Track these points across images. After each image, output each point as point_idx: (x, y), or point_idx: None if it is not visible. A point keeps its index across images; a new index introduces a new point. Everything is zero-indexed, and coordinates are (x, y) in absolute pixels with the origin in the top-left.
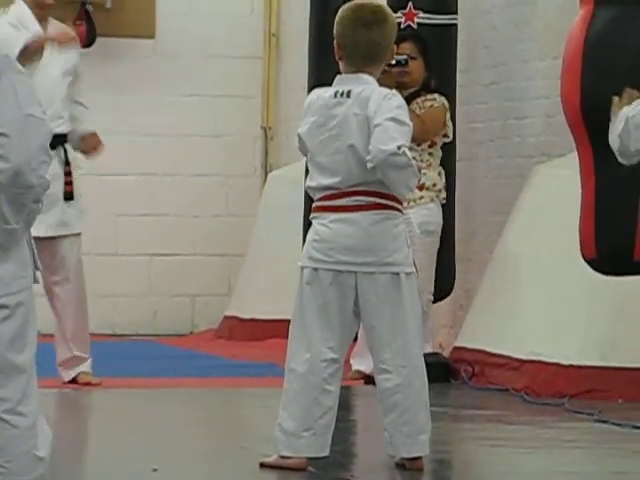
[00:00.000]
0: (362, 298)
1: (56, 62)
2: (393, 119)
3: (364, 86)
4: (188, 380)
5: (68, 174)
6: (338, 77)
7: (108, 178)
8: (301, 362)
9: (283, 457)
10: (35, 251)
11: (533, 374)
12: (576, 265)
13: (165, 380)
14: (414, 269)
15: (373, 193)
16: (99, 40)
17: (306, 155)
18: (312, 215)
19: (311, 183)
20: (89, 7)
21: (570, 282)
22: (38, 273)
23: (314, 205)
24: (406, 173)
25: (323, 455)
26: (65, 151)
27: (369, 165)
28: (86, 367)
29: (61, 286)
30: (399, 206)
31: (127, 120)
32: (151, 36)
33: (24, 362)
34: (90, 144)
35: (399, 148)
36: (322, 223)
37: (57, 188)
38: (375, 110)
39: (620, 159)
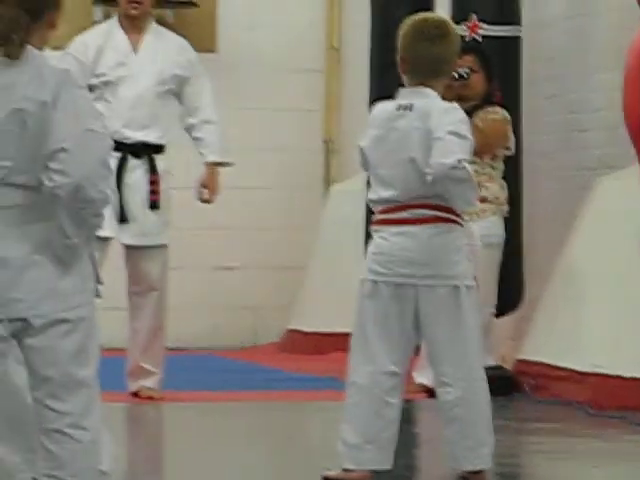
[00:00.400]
0: (422, 311)
1: (148, 72)
2: (454, 132)
3: (426, 100)
4: (250, 393)
5: (153, 183)
6: (401, 90)
7: (170, 191)
8: (362, 375)
9: (346, 470)
10: (97, 265)
11: (596, 387)
12: (639, 278)
13: (227, 394)
14: (474, 282)
15: (433, 206)
16: None
17: (367, 168)
18: (373, 228)
19: (372, 196)
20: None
21: (633, 295)
22: (101, 287)
23: (375, 218)
24: (465, 187)
25: (387, 468)
26: (152, 160)
27: (429, 178)
28: (151, 382)
29: (141, 297)
30: (459, 219)
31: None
32: (213, 50)
33: (87, 377)
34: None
35: (459, 162)
36: (382, 236)
37: (140, 197)
38: (436, 124)
39: None
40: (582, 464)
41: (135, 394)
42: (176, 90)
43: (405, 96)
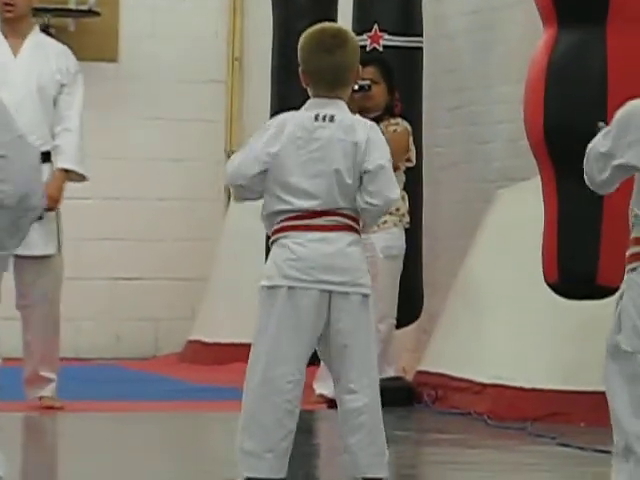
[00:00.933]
0: (334, 317)
1: (27, 77)
2: (389, 160)
3: (344, 113)
4: (151, 404)
5: None
6: (313, 101)
7: (70, 202)
8: (265, 383)
9: (247, 479)
10: None
11: (496, 398)
12: (539, 289)
13: (128, 404)
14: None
15: (347, 216)
16: None
17: (271, 174)
18: (280, 235)
19: (282, 206)
20: (52, 30)
21: (533, 306)
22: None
23: (281, 225)
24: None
25: (282, 477)
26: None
27: (367, 207)
28: (49, 391)
29: (28, 309)
30: (357, 227)
31: (89, 143)
32: (114, 60)
33: None
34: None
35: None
36: (297, 242)
37: None
38: (366, 142)
39: (595, 190)
40: (481, 475)
41: (39, 400)
42: (55, 96)
43: (321, 106)
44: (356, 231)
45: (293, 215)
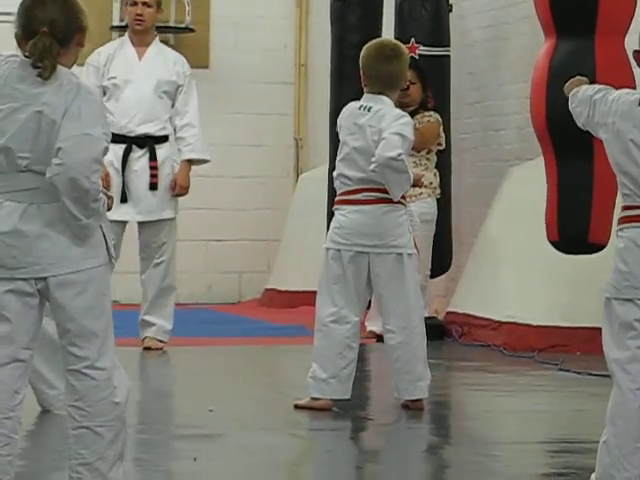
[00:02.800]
0: (373, 272)
1: (149, 77)
2: (398, 133)
3: (382, 105)
4: (237, 339)
5: (153, 168)
6: (365, 95)
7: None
8: (328, 323)
9: (314, 399)
10: (108, 238)
11: (509, 333)
12: (543, 246)
13: (219, 339)
14: (415, 251)
15: (380, 190)
16: None
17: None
18: (334, 207)
19: (334, 172)
20: None
21: (537, 260)
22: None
23: (336, 199)
24: (402, 177)
25: (346, 398)
26: (152, 149)
27: (371, 167)
28: (153, 332)
29: (144, 261)
30: (403, 200)
31: None
32: (206, 66)
33: (99, 328)
34: (174, 188)
35: (399, 155)
36: (342, 214)
37: (144, 181)
38: (386, 126)
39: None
40: (498, 394)
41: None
42: (172, 94)
43: (367, 100)
44: (392, 201)
45: (342, 191)
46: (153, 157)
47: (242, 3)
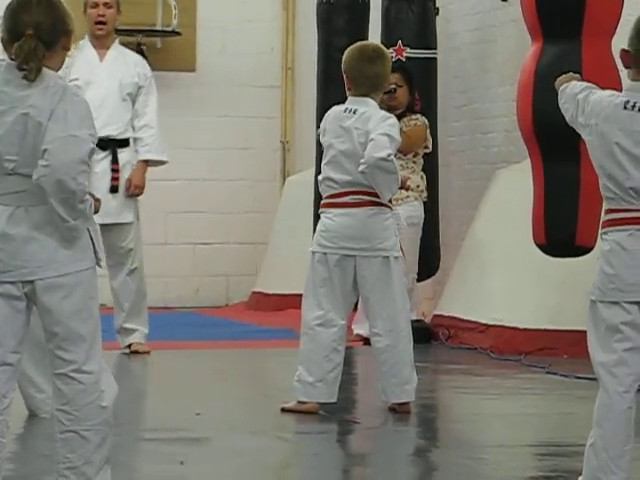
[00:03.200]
0: (359, 275)
1: (110, 78)
2: (386, 134)
3: (368, 108)
4: (224, 343)
5: (115, 171)
6: (349, 99)
7: (160, 183)
8: (314, 326)
9: (300, 402)
10: (96, 240)
11: (496, 336)
12: (529, 249)
13: (205, 343)
14: (401, 254)
15: (367, 192)
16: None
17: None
18: (320, 210)
19: (320, 176)
20: (143, 47)
21: (525, 262)
22: (102, 259)
23: (322, 202)
24: (391, 178)
25: (332, 401)
26: (114, 153)
27: (361, 168)
28: (138, 338)
29: (113, 268)
30: (389, 203)
31: (174, 137)
32: (193, 70)
33: (86, 331)
34: (129, 188)
35: (388, 155)
36: (328, 217)
37: (104, 184)
38: (373, 127)
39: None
40: (485, 397)
41: (127, 347)
42: (134, 96)
43: (352, 103)
44: (378, 204)
45: (328, 194)
46: (115, 160)
47: (229, 6)
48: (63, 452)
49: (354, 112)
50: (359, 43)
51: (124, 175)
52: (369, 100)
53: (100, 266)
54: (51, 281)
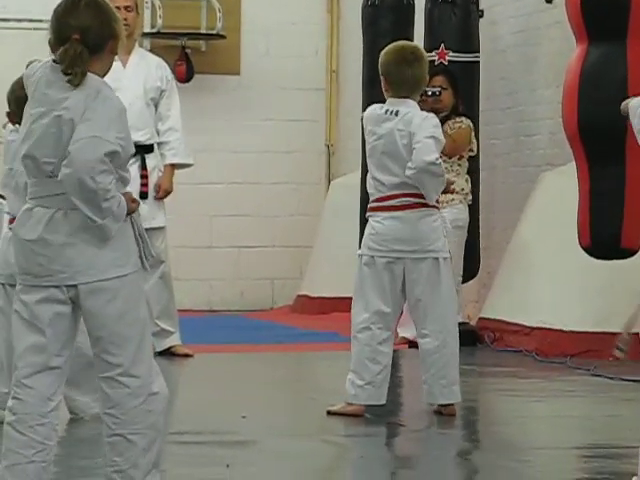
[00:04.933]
0: (409, 278)
1: (135, 84)
2: (432, 137)
3: (409, 109)
4: (269, 346)
5: (143, 177)
6: (388, 99)
7: (204, 186)
8: (362, 329)
9: (348, 404)
10: (144, 242)
11: (541, 338)
12: (575, 252)
13: (251, 346)
14: (450, 255)
15: (414, 194)
16: (196, 77)
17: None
18: (368, 214)
19: (368, 175)
20: (188, 50)
21: (570, 265)
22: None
23: (369, 206)
24: (439, 181)
25: (381, 403)
26: (143, 158)
27: (408, 172)
28: (176, 340)
29: (151, 273)
30: (436, 204)
31: (219, 140)
32: (237, 73)
33: (132, 335)
34: (159, 192)
35: (437, 159)
36: (377, 220)
37: (134, 189)
38: (417, 128)
39: None
40: (530, 399)
41: (163, 352)
42: (157, 100)
43: (392, 104)
44: (426, 206)
45: (375, 198)
46: (144, 166)
47: (273, 9)
48: (111, 456)
49: (396, 113)
50: (395, 45)
51: (152, 180)
52: (409, 101)
53: (146, 268)
54: (94, 285)
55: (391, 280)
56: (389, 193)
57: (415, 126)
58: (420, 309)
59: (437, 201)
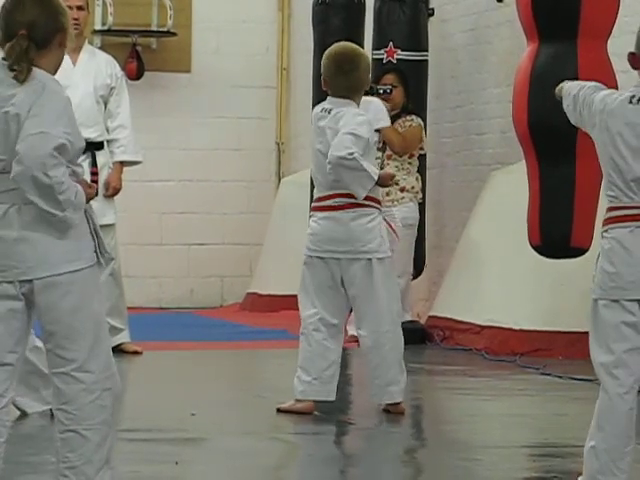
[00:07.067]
0: (345, 278)
1: (85, 81)
2: (351, 133)
3: (343, 107)
4: (219, 344)
5: (94, 174)
6: (327, 99)
7: (155, 183)
8: (309, 326)
9: (297, 401)
10: (99, 238)
11: (491, 337)
12: (525, 250)
13: (200, 344)
14: (388, 254)
15: (349, 194)
16: (147, 74)
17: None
18: (310, 213)
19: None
20: (139, 48)
21: (520, 264)
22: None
23: (311, 205)
24: (360, 175)
25: (330, 400)
26: (93, 155)
27: (327, 170)
28: (126, 337)
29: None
30: (374, 203)
31: (169, 137)
32: (188, 70)
33: (87, 330)
34: (108, 189)
35: (350, 154)
36: (314, 220)
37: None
38: (342, 125)
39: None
40: (479, 398)
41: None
42: (106, 97)
43: (329, 103)
44: (362, 205)
45: (315, 198)
46: (94, 163)
47: (224, 7)
48: (63, 451)
49: (329, 112)
50: (336, 50)
51: (102, 177)
52: (347, 100)
53: (101, 263)
54: (48, 280)
55: (330, 279)
56: (326, 193)
57: (341, 124)
58: (355, 309)
59: (378, 201)
